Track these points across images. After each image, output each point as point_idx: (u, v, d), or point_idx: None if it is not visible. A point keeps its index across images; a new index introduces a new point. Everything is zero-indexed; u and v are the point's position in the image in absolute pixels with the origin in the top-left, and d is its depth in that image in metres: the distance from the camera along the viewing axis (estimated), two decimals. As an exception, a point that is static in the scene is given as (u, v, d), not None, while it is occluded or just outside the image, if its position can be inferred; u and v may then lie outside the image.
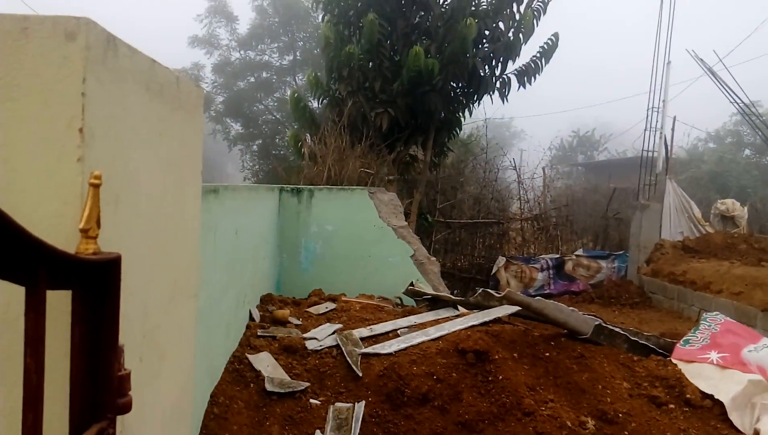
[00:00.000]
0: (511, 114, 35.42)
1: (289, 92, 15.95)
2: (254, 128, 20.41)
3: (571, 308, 3.54)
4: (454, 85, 9.31)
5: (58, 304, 0.86)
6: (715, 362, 2.97)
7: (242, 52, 20.35)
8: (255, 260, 4.32)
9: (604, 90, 42.25)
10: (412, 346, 3.39)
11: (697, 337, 3.19)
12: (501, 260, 11.08)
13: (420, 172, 9.76)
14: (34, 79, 0.92)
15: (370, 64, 8.78)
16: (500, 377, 3.02)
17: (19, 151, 0.92)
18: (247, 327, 3.89)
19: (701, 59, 11.42)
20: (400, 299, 5.42)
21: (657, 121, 9.80)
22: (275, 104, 20.61)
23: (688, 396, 3.02)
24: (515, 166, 12.22)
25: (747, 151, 23.46)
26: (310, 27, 19.45)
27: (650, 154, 10.17)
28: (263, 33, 19.86)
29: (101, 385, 0.88)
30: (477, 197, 12.31)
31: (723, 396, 2.84)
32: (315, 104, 10.93)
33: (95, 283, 0.88)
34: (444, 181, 12.13)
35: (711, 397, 2.93)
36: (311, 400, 3.02)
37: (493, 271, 11.00)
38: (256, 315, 4.15)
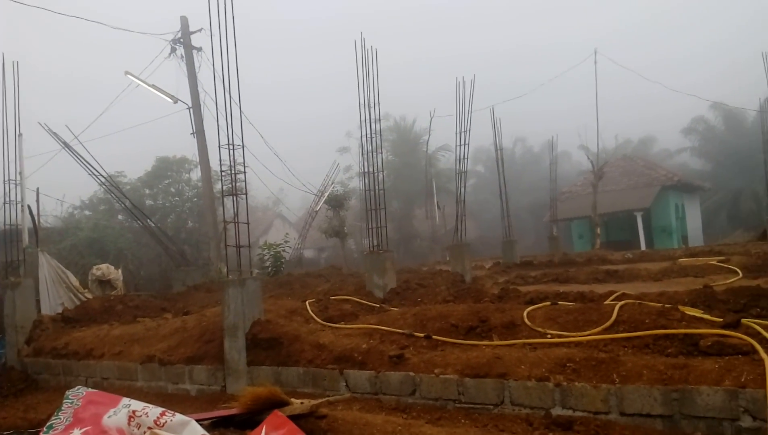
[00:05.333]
0: None
1: None
2: None
3: None
4: None
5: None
6: (79, 439, 2.96)
7: None
8: None
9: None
10: None
11: (61, 419, 3.13)
12: None
13: None
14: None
15: None
16: None
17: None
18: None
19: (55, 133, 11.79)
20: None
21: (17, 194, 9.29)
22: None
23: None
24: None
25: (120, 216, 25.41)
26: None
27: (14, 227, 9.50)
28: None
29: None
30: None
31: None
32: None
33: None
34: None
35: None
36: None
37: None
38: None
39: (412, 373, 5.43)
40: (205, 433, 3.19)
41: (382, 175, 9.87)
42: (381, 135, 10.20)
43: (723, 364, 4.23)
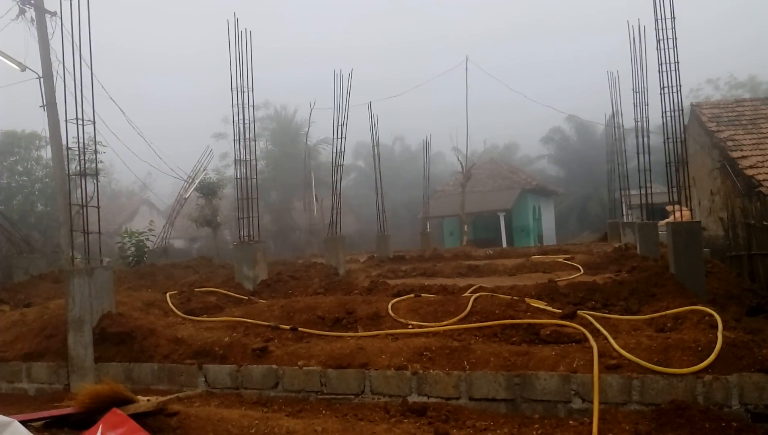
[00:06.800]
0: None
1: None
2: None
3: None
4: None
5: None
6: None
7: None
8: None
9: None
10: None
11: None
12: None
13: None
14: None
15: None
16: None
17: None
18: None
19: None
20: None
21: None
22: None
23: None
24: None
25: (-47, 195, 22.24)
26: None
27: None
28: None
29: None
30: None
31: None
32: None
33: None
34: None
35: None
36: None
37: None
38: None
39: (275, 366, 5.35)
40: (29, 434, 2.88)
41: (256, 164, 9.59)
42: (257, 122, 9.93)
43: (559, 351, 4.66)
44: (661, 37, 7.69)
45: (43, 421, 3.57)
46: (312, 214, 30.40)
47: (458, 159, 26.51)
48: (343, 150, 12.25)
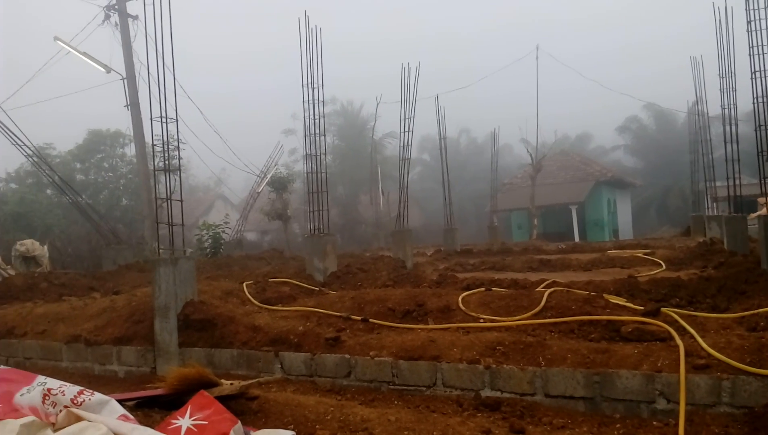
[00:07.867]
0: None
1: None
2: None
3: None
4: None
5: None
6: (-15, 417, 2.80)
7: None
8: None
9: None
10: None
11: (-31, 398, 2.94)
12: None
13: None
14: None
15: None
16: None
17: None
18: None
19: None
20: None
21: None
22: None
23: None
24: None
25: (49, 191, 24.08)
26: None
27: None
28: None
29: None
30: None
31: (1, 451, 2.69)
32: None
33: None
34: None
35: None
36: None
37: None
38: None
39: (347, 356, 5.43)
40: (126, 412, 3.07)
41: (325, 158, 9.77)
42: (326, 118, 10.10)
43: (642, 349, 4.46)
44: (752, 18, 7.17)
45: (135, 401, 3.80)
46: (378, 207, 30.63)
47: (527, 150, 25.88)
48: (410, 144, 12.25)
